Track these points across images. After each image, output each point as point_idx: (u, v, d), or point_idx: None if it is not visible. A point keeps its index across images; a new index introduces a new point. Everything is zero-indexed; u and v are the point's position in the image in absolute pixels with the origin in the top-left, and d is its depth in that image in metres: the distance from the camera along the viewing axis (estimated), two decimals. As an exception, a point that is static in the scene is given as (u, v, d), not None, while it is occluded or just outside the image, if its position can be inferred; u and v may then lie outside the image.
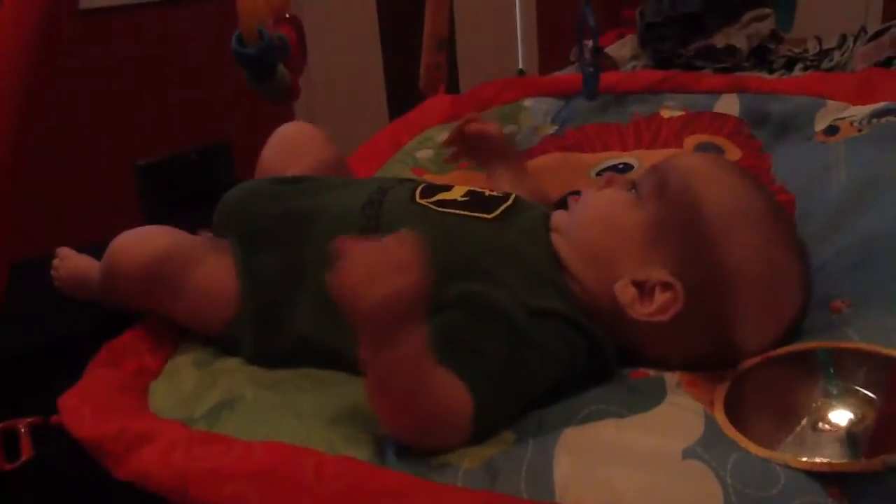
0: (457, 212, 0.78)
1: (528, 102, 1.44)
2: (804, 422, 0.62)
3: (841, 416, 0.61)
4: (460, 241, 0.74)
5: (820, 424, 0.61)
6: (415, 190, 0.82)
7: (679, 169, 0.74)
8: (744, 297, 0.68)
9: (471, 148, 1.05)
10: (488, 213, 0.78)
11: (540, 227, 0.77)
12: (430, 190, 0.82)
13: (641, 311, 0.69)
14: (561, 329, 0.69)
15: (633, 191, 0.75)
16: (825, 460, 0.56)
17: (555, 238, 0.76)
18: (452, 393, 0.62)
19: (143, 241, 0.84)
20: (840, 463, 0.56)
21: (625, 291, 0.69)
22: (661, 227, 0.70)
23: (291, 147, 0.99)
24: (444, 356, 0.63)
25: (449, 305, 0.69)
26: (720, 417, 0.62)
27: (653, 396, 0.65)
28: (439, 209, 0.78)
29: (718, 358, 0.69)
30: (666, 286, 0.68)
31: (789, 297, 0.70)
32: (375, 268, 0.58)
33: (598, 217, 0.75)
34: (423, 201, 0.79)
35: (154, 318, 0.86)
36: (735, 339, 0.69)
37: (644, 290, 0.69)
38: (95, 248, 1.20)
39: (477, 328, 0.67)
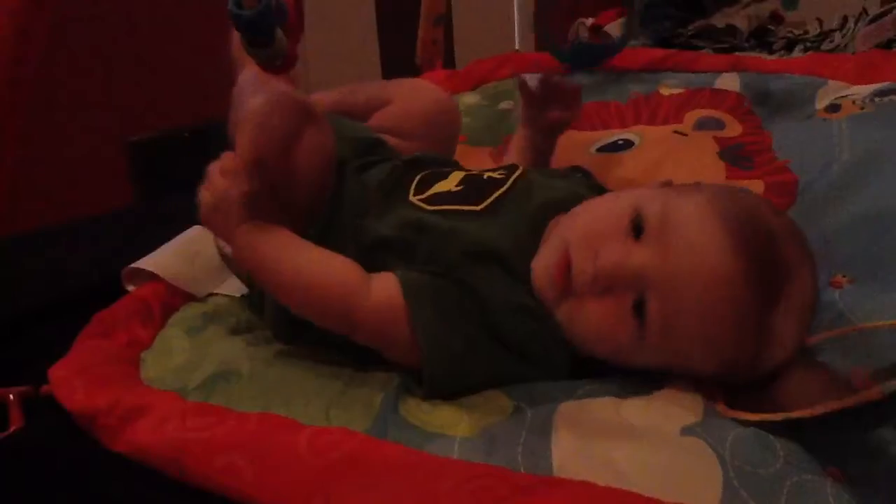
0: (445, 208, 0.75)
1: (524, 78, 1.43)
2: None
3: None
4: (442, 240, 0.72)
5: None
6: (411, 184, 0.79)
7: (697, 317, 0.61)
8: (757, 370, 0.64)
9: (541, 100, 1.00)
10: (477, 203, 0.75)
11: (534, 220, 0.73)
12: (427, 182, 0.80)
13: None
14: (537, 329, 0.67)
15: (641, 309, 0.63)
16: (823, 403, 0.55)
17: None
18: (341, 271, 0.69)
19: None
20: (839, 401, 0.55)
21: None
22: (674, 365, 0.64)
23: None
24: (414, 300, 0.65)
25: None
26: (720, 407, 0.61)
27: (651, 383, 0.64)
28: (429, 207, 0.76)
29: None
30: None
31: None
32: (210, 181, 0.73)
33: (596, 352, 0.66)
34: (415, 199, 0.77)
35: (144, 289, 0.86)
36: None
37: None
38: (86, 226, 1.19)
39: (455, 300, 0.66)
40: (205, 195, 0.73)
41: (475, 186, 0.78)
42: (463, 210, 0.75)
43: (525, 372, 0.67)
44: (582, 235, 0.67)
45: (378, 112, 0.95)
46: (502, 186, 0.77)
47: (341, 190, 0.79)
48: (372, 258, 0.72)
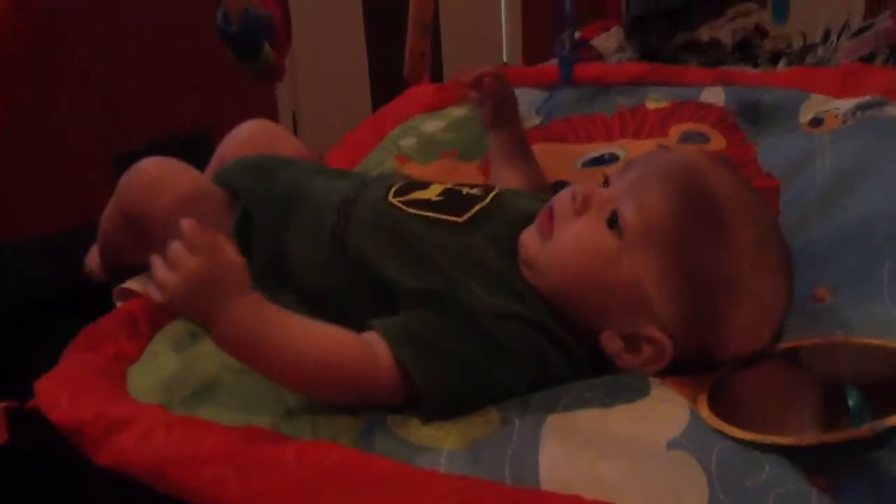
0: (427, 214, 0.77)
1: (512, 92, 1.43)
2: (785, 407, 0.62)
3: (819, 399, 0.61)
4: (424, 245, 0.73)
5: (800, 407, 0.61)
6: (390, 188, 0.80)
7: (663, 210, 0.67)
8: (736, 330, 0.67)
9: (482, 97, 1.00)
10: (459, 215, 0.76)
11: (515, 231, 0.75)
12: (406, 189, 0.81)
13: (629, 362, 0.68)
14: (527, 332, 0.68)
15: (614, 221, 0.68)
16: (812, 434, 0.56)
17: (527, 273, 0.72)
18: (349, 349, 0.65)
19: (181, 174, 0.84)
20: (828, 435, 0.56)
21: (612, 343, 0.68)
22: (651, 284, 0.67)
23: (256, 144, 0.99)
24: (401, 348, 0.65)
25: (412, 306, 0.69)
26: (704, 412, 0.62)
27: (637, 390, 0.64)
28: (410, 210, 0.77)
29: (700, 366, 0.68)
30: (653, 340, 0.67)
31: (778, 311, 0.70)
32: (176, 259, 0.61)
33: (578, 272, 0.69)
34: (395, 200, 0.78)
35: (132, 303, 0.85)
36: (721, 357, 0.68)
37: (632, 341, 0.68)
38: (72, 238, 1.18)
39: (440, 327, 0.67)
40: (172, 278, 0.61)
41: (456, 199, 0.79)
42: (445, 220, 0.76)
43: (527, 380, 0.67)
44: (562, 193, 0.73)
45: None
46: (482, 201, 0.78)
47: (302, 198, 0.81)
48: (354, 268, 0.74)
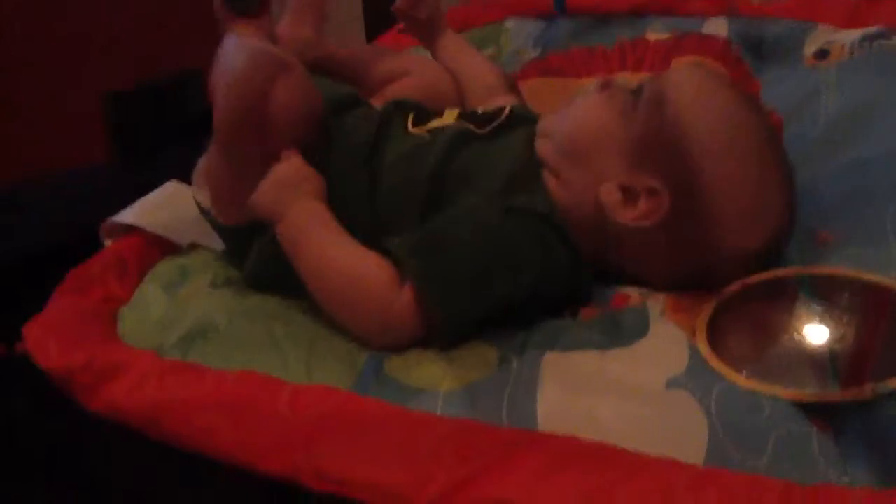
0: (447, 129, 0.79)
1: (509, 23, 1.40)
2: (784, 342, 0.62)
3: (820, 337, 0.61)
4: (445, 161, 0.75)
5: (799, 344, 0.61)
6: (407, 118, 0.82)
7: (678, 84, 0.73)
8: (728, 207, 0.68)
9: (411, 23, 1.03)
10: (482, 127, 0.79)
11: (528, 140, 0.77)
12: (422, 118, 0.82)
13: (625, 215, 0.69)
14: (536, 227, 0.69)
15: (631, 96, 0.74)
16: (814, 391, 0.56)
17: (540, 143, 0.76)
18: (373, 271, 0.68)
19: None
20: (829, 393, 0.56)
21: (610, 194, 0.70)
22: (653, 138, 0.70)
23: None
24: (407, 255, 0.67)
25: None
26: (703, 348, 0.61)
27: (636, 330, 0.64)
28: (428, 136, 0.79)
29: (698, 276, 0.69)
30: (652, 192, 0.68)
31: (773, 209, 0.70)
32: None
33: (589, 121, 0.74)
34: (415, 130, 0.80)
35: (120, 244, 0.84)
36: (716, 249, 0.69)
37: (630, 195, 0.69)
38: (61, 181, 1.17)
39: (448, 229, 0.69)
40: (265, 179, 0.74)
41: (474, 117, 0.82)
42: (469, 129, 0.78)
43: (532, 274, 0.68)
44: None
45: (397, 83, 0.98)
46: (499, 117, 0.81)
47: (330, 141, 0.80)
48: (386, 203, 0.76)
